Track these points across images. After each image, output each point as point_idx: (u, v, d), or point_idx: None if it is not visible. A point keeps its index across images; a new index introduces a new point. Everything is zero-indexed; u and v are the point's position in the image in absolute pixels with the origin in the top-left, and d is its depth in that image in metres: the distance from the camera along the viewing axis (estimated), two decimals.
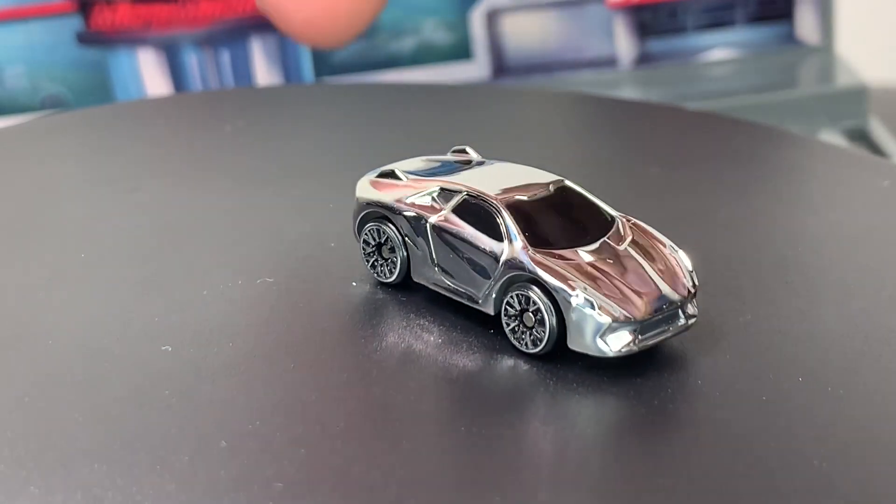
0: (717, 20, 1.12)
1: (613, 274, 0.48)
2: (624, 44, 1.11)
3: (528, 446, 0.44)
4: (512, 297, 0.49)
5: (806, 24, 1.12)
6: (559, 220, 0.50)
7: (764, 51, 1.12)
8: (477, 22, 1.09)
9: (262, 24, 1.07)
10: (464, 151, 0.56)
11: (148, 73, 1.06)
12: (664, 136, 0.75)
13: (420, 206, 0.52)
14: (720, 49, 1.12)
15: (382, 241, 0.53)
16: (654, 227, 0.51)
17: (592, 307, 0.47)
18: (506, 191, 0.50)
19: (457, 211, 0.51)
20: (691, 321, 0.49)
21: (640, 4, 1.10)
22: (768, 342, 0.51)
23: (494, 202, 0.50)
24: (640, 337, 0.47)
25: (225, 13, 1.06)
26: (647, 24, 1.11)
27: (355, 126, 0.75)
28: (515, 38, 1.10)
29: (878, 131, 1.02)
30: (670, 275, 0.48)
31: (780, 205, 0.66)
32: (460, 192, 0.51)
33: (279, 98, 0.84)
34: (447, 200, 0.51)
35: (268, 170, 0.68)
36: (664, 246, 0.50)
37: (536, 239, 0.49)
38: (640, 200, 0.64)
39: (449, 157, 0.55)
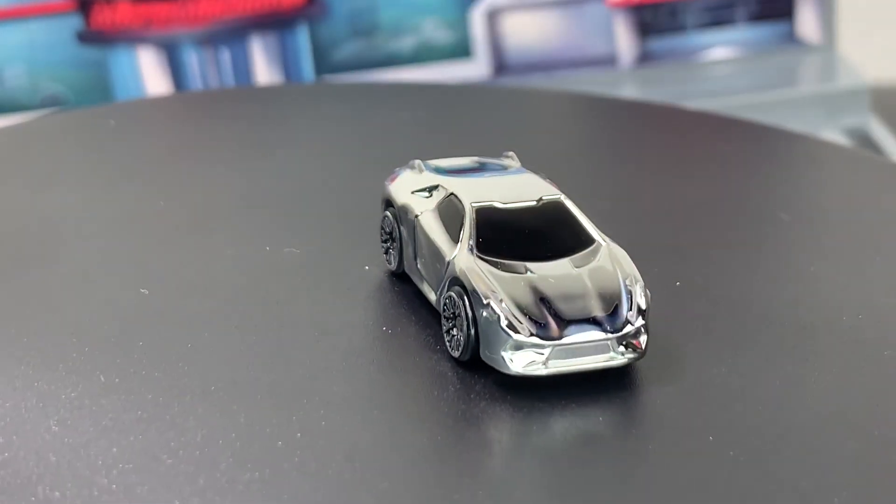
0: (718, 19, 1.12)
1: (547, 293, 0.46)
2: (624, 43, 1.11)
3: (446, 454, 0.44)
4: (446, 299, 0.49)
5: (806, 23, 1.12)
6: (527, 232, 0.49)
7: (764, 50, 1.12)
8: (477, 21, 1.09)
9: (262, 24, 1.07)
10: (508, 156, 0.55)
11: (148, 73, 1.06)
12: (663, 135, 0.75)
13: (415, 201, 0.52)
14: (721, 48, 1.12)
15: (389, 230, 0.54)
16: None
17: (500, 320, 0.46)
18: (488, 197, 0.50)
19: (438, 209, 0.51)
20: (627, 357, 0.46)
21: (640, 4, 1.10)
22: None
23: (465, 205, 0.50)
24: (551, 361, 0.46)
25: (225, 12, 1.06)
26: (647, 23, 1.11)
27: (355, 126, 0.75)
28: (515, 38, 1.10)
29: (879, 130, 1.02)
30: (613, 307, 0.47)
31: (781, 205, 0.66)
32: (448, 192, 0.51)
33: (279, 98, 0.84)
34: (436, 199, 0.52)
35: (269, 170, 0.67)
36: (627, 278, 0.48)
37: (487, 246, 0.48)
38: (638, 201, 0.64)
39: (490, 160, 0.55)
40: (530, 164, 0.55)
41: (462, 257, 0.48)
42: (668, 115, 0.79)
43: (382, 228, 0.55)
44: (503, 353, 0.46)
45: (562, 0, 1.10)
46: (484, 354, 0.47)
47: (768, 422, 0.45)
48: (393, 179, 0.55)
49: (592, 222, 0.50)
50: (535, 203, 0.50)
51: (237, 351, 0.49)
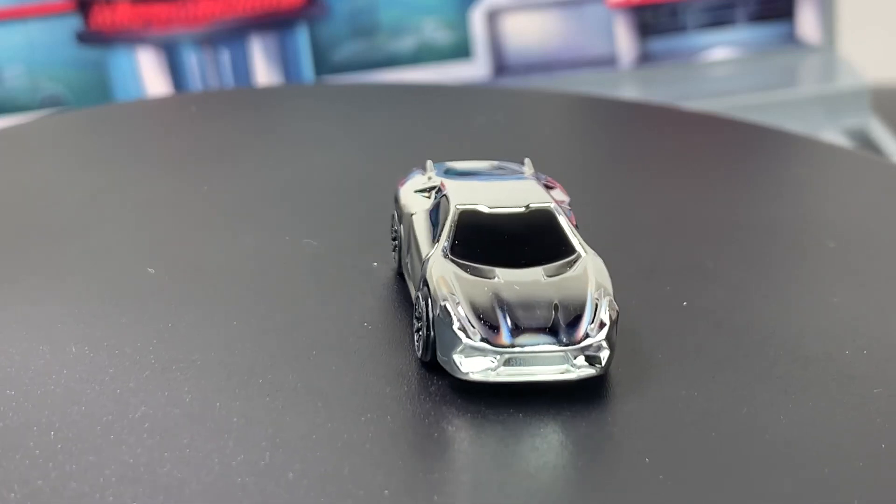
0: (718, 19, 1.12)
1: (508, 300, 0.46)
2: (624, 43, 1.11)
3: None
4: (415, 299, 0.49)
5: (807, 23, 1.12)
6: (505, 238, 0.49)
7: (765, 50, 1.12)
8: (477, 21, 1.09)
9: (261, 24, 1.07)
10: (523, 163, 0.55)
11: (147, 73, 1.06)
12: (663, 136, 0.75)
13: (414, 201, 0.52)
14: (721, 48, 1.12)
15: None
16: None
17: (452, 323, 0.46)
18: (477, 201, 0.50)
19: (431, 210, 0.51)
20: (583, 372, 0.46)
21: (640, 4, 1.10)
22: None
23: (451, 207, 0.50)
24: (503, 368, 0.45)
25: (225, 12, 1.06)
26: (647, 23, 1.11)
27: (356, 125, 0.75)
28: (515, 38, 1.10)
29: (879, 131, 1.02)
30: (573, 320, 0.46)
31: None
32: (443, 193, 0.51)
33: (279, 98, 0.84)
34: (432, 199, 0.52)
35: (270, 170, 0.67)
36: (598, 290, 0.47)
37: (464, 248, 0.48)
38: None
39: (509, 165, 0.55)
40: (535, 167, 0.55)
41: (434, 258, 0.48)
42: (668, 116, 0.79)
43: (392, 227, 0.55)
44: (454, 357, 0.46)
45: (562, 0, 1.10)
46: (439, 356, 0.46)
47: (714, 449, 0.44)
48: (406, 179, 0.55)
49: (578, 233, 0.49)
50: (521, 210, 0.49)
51: (213, 332, 0.50)
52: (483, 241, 0.48)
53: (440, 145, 0.71)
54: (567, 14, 1.10)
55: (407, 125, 0.75)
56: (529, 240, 0.49)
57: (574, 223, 0.51)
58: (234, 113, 0.78)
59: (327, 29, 1.08)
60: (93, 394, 0.46)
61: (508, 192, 0.51)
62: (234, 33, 1.07)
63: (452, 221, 0.49)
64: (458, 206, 0.49)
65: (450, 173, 0.53)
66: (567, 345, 0.45)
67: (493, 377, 0.45)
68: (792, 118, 1.01)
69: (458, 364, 0.45)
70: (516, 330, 0.45)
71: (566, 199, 0.53)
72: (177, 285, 0.54)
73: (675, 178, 0.68)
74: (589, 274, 0.48)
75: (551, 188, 0.53)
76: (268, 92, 0.92)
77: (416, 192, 0.53)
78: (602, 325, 0.46)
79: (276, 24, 1.07)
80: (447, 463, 0.44)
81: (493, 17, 1.09)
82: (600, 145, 0.75)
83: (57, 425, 0.45)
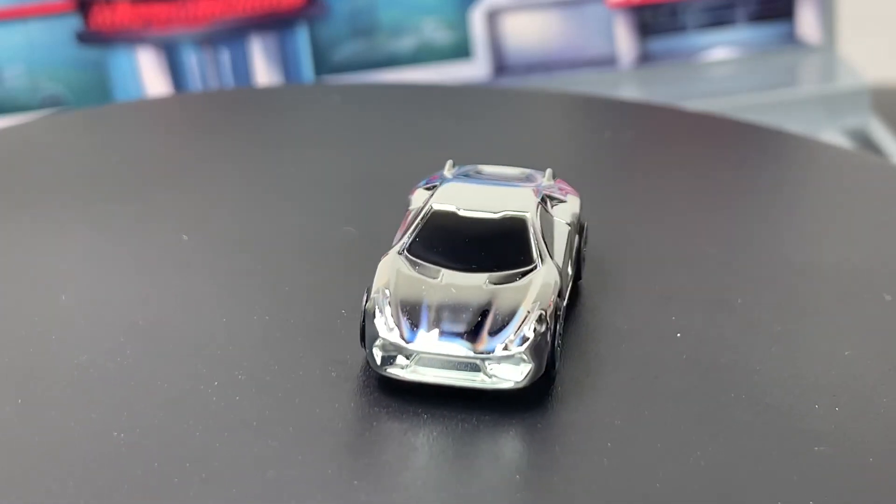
0: (718, 19, 1.12)
1: (438, 302, 0.46)
2: (624, 43, 1.10)
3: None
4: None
5: (807, 23, 1.12)
6: (466, 241, 0.49)
7: (765, 50, 1.12)
8: (477, 21, 1.09)
9: (261, 24, 1.07)
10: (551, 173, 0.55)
11: (147, 73, 1.06)
12: (663, 136, 0.75)
13: (417, 198, 0.53)
14: (721, 48, 1.12)
15: None
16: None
17: (372, 317, 0.46)
18: (456, 202, 0.50)
19: (416, 210, 0.51)
20: (495, 384, 0.46)
21: (640, 4, 1.10)
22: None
23: (425, 206, 0.50)
24: (414, 367, 0.46)
25: (225, 12, 1.06)
26: (647, 23, 1.11)
27: (356, 126, 0.75)
28: (515, 38, 1.10)
29: (880, 132, 1.02)
30: (497, 330, 0.46)
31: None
32: (432, 192, 0.51)
33: (279, 98, 0.84)
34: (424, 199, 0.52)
35: (270, 170, 0.67)
36: (535, 303, 0.46)
37: (421, 246, 0.48)
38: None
39: (534, 174, 0.54)
40: (528, 165, 0.55)
41: (390, 253, 0.49)
42: (668, 116, 0.79)
43: None
44: (373, 350, 0.46)
45: (562, 0, 1.10)
46: (365, 348, 0.47)
47: (587, 496, 0.43)
48: (422, 182, 0.55)
49: (547, 244, 0.49)
50: (494, 215, 0.49)
51: (199, 305, 0.52)
52: (446, 241, 0.49)
53: (445, 146, 0.71)
54: (567, 14, 1.10)
55: (426, 125, 0.75)
56: (492, 245, 0.49)
57: (578, 237, 0.51)
58: (232, 112, 0.78)
59: (327, 29, 1.08)
60: (61, 352, 0.49)
61: (494, 198, 0.51)
62: (234, 33, 1.07)
63: (422, 219, 0.49)
64: (432, 205, 0.50)
65: (462, 174, 0.53)
66: (479, 353, 0.45)
67: (404, 374, 0.46)
68: (792, 118, 1.01)
69: (375, 357, 0.46)
70: (432, 331, 0.46)
71: (572, 213, 0.53)
72: (200, 254, 0.55)
73: (675, 177, 0.68)
74: (532, 286, 0.47)
75: (560, 201, 0.53)
76: (268, 92, 0.92)
77: (424, 189, 0.53)
78: (525, 339, 0.46)
79: (276, 24, 1.07)
80: (374, 459, 0.44)
81: (493, 17, 1.09)
82: (600, 145, 0.75)
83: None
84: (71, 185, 0.66)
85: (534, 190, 0.51)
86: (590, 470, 0.44)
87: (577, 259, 0.53)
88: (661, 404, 0.47)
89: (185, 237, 0.56)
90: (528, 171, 0.54)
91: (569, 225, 0.51)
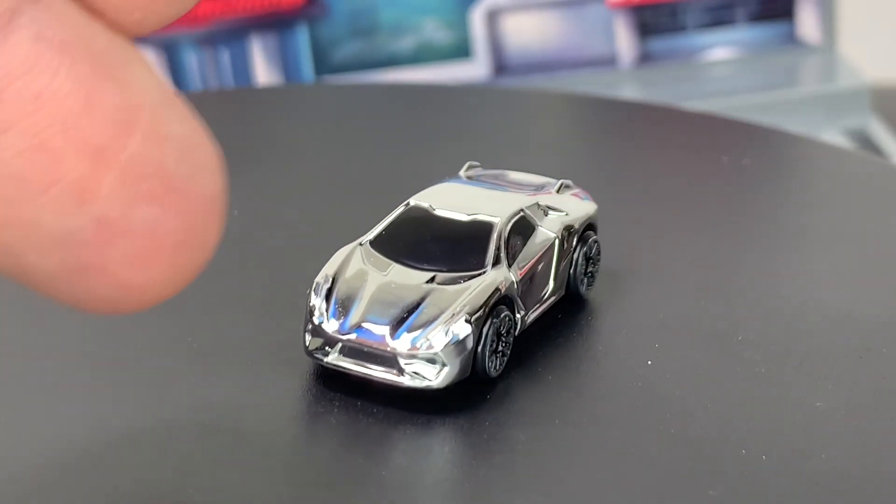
0: (718, 19, 1.12)
1: (372, 295, 0.47)
2: (624, 43, 1.11)
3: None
4: None
5: (807, 23, 1.12)
6: (429, 239, 0.49)
7: (765, 50, 1.12)
8: (477, 21, 1.09)
9: (261, 24, 1.07)
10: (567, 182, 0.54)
11: None
12: (662, 136, 0.75)
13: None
14: (721, 48, 1.12)
15: None
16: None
17: (309, 302, 0.47)
18: (434, 201, 0.50)
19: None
20: (414, 381, 0.46)
21: (640, 4, 1.10)
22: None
23: (405, 204, 0.50)
24: (337, 354, 0.46)
25: (225, 13, 1.06)
26: (647, 23, 1.11)
27: (356, 126, 0.75)
28: (515, 38, 1.10)
29: (880, 132, 1.02)
30: (413, 328, 0.46)
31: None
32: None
33: (279, 98, 0.84)
34: None
35: (270, 170, 0.67)
36: (462, 307, 0.46)
37: (384, 240, 0.49)
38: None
39: (551, 181, 0.54)
40: (528, 165, 0.55)
41: (351, 244, 0.49)
42: (668, 116, 0.79)
43: None
44: (305, 333, 0.47)
45: (562, 0, 1.10)
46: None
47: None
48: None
49: (507, 251, 0.49)
50: (464, 217, 0.50)
51: (210, 282, 0.51)
52: (409, 237, 0.49)
53: (445, 146, 0.71)
54: (567, 14, 1.10)
55: (426, 125, 0.75)
56: (452, 246, 0.49)
57: (578, 248, 0.51)
58: (232, 112, 0.78)
59: (327, 29, 1.08)
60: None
61: (477, 201, 0.51)
62: (233, 33, 1.07)
63: (398, 216, 0.50)
64: (410, 200, 0.50)
65: (474, 175, 0.54)
66: (391, 349, 0.46)
67: (327, 360, 0.47)
68: (792, 118, 1.01)
69: (305, 340, 0.47)
70: (356, 322, 0.46)
71: (564, 224, 0.52)
72: (236, 228, 0.54)
73: (675, 178, 0.68)
74: (468, 290, 0.47)
75: (557, 211, 0.52)
76: (268, 92, 0.92)
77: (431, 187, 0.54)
78: (442, 340, 0.46)
79: (275, 24, 1.07)
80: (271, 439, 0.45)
81: (493, 16, 1.09)
82: (600, 145, 0.75)
83: None
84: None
85: (528, 197, 0.51)
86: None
87: (571, 270, 0.52)
88: (601, 433, 0.45)
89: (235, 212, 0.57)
90: (550, 180, 0.53)
91: (556, 235, 0.51)
